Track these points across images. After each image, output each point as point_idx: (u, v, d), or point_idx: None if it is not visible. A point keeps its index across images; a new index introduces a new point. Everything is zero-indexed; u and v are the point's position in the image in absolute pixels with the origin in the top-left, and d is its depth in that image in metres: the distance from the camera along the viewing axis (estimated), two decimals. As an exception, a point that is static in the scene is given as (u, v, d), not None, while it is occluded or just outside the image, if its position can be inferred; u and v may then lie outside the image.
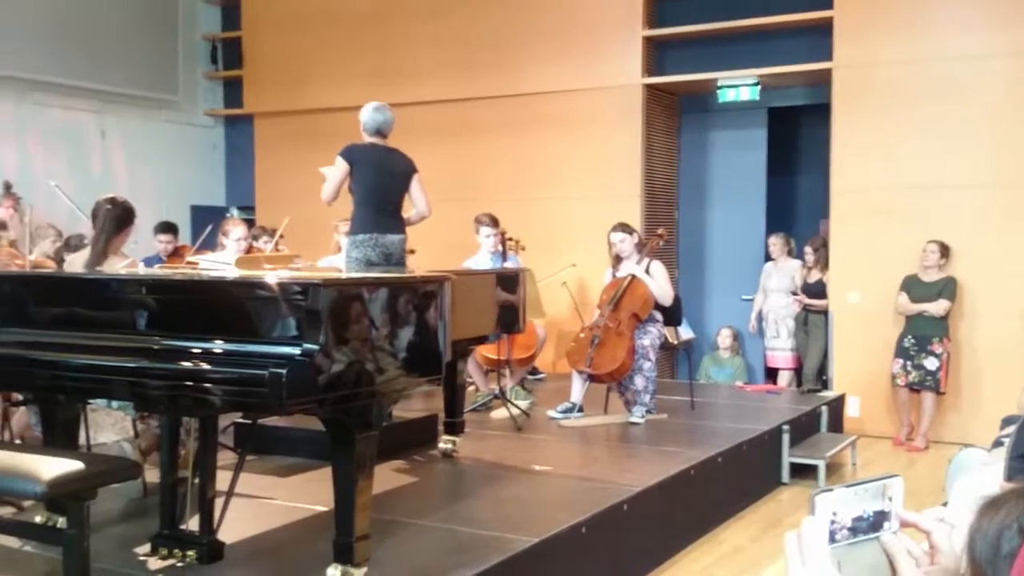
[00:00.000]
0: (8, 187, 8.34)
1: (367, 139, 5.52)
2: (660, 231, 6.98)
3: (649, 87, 8.87)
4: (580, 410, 6.49)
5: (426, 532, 4.04)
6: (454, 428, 5.42)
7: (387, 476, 4.85)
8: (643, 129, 8.82)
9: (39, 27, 8.99)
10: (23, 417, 5.04)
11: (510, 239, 7.15)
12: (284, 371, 2.87)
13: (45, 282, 4.04)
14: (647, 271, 6.48)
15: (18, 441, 5.04)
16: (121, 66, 9.79)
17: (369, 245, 5.37)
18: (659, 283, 6.44)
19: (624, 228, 6.63)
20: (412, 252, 6.10)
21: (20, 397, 4.71)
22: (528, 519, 4.19)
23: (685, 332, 7.34)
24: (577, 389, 6.51)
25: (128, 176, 10.05)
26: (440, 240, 7.63)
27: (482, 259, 7.13)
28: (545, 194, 9.10)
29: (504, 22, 9.33)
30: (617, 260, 6.63)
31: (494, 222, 7.13)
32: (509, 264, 6.85)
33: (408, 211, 5.67)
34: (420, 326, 3.51)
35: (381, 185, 5.48)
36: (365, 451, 3.24)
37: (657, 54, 9.04)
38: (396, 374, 3.38)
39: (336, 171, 5.42)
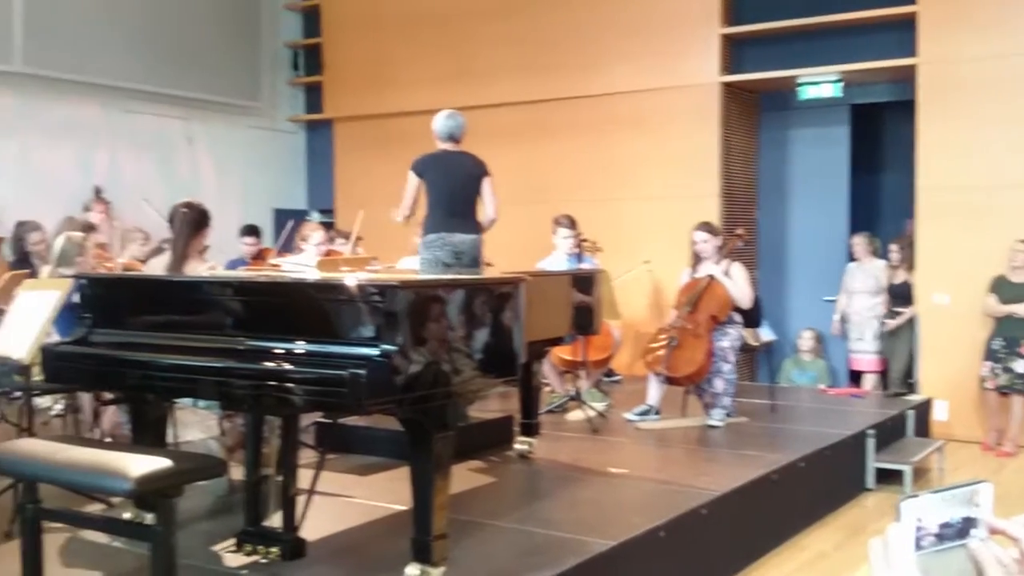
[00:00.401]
0: (99, 192, 8.64)
1: (439, 146, 5.61)
2: (739, 231, 6.87)
3: (727, 85, 8.76)
4: (657, 413, 6.44)
5: (502, 533, 4.05)
6: (530, 429, 5.42)
7: (464, 476, 4.88)
8: (721, 128, 8.71)
9: (129, 36, 9.28)
10: (114, 416, 5.21)
11: (586, 240, 7.13)
12: (363, 372, 2.92)
13: (134, 284, 4.17)
14: (726, 273, 6.40)
15: (108, 439, 5.21)
16: (207, 74, 10.06)
17: (437, 245, 5.45)
18: (738, 285, 6.34)
19: (708, 228, 6.57)
20: (489, 265, 6.15)
21: (110, 396, 4.86)
22: (604, 522, 4.17)
23: (765, 334, 7.22)
24: (654, 391, 6.46)
25: (214, 181, 10.31)
26: (513, 242, 7.65)
27: (558, 260, 7.12)
28: (620, 195, 9.05)
29: (578, 22, 9.31)
30: (696, 260, 6.56)
31: (572, 223, 7.12)
32: (585, 265, 6.82)
33: (480, 214, 5.73)
34: (495, 327, 3.53)
35: (448, 187, 5.56)
36: (442, 451, 3.26)
37: (735, 52, 8.91)
38: (472, 375, 3.40)
39: (409, 186, 5.57)
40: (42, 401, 6.08)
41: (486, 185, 5.64)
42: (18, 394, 4.69)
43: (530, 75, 9.51)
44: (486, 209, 5.69)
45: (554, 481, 5.05)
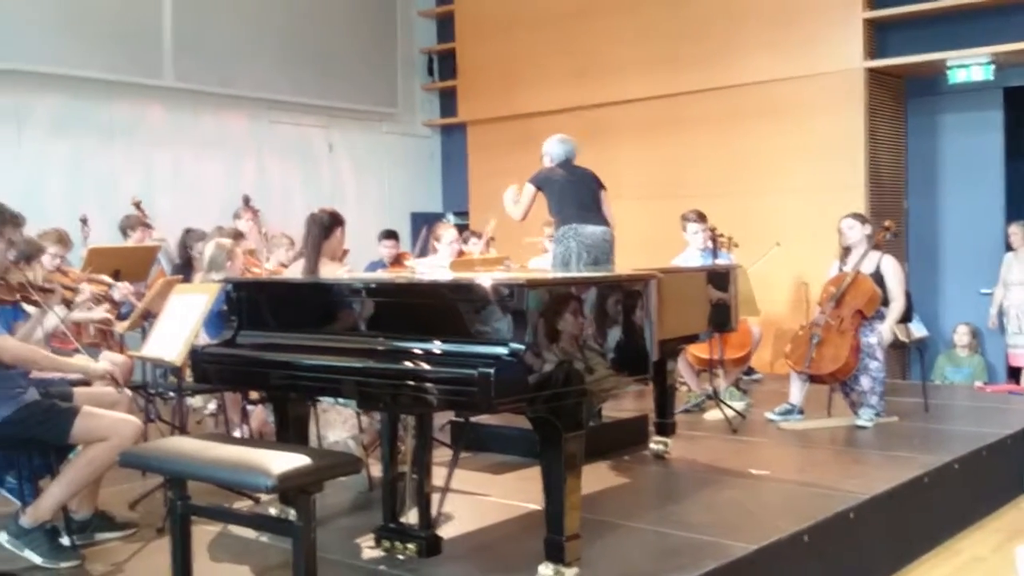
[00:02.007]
0: (247, 200, 9.01)
1: (551, 165, 5.79)
2: (887, 223, 6.57)
3: (871, 71, 8.40)
4: (800, 412, 6.23)
5: (637, 534, 3.99)
6: (665, 429, 5.33)
7: (597, 476, 4.84)
8: (866, 115, 8.36)
9: (272, 50, 9.64)
10: (261, 414, 5.41)
11: (721, 236, 6.96)
12: (492, 370, 2.92)
13: (277, 287, 4.32)
14: (878, 267, 6.15)
15: (256, 438, 5.42)
16: (346, 83, 10.36)
17: (570, 235, 5.51)
18: (892, 283, 6.12)
19: (857, 216, 6.37)
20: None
21: (257, 396, 5.05)
22: (745, 525, 4.05)
23: (917, 329, 6.89)
24: (796, 390, 6.25)
25: (354, 186, 10.61)
26: (646, 238, 7.55)
27: (691, 256, 6.99)
28: (759, 188, 8.80)
29: (711, 12, 9.11)
30: (845, 253, 6.33)
31: (701, 218, 6.98)
32: (721, 261, 6.66)
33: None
34: (626, 325, 3.47)
35: (573, 187, 5.66)
36: (573, 450, 3.24)
37: (879, 36, 8.54)
38: (603, 373, 3.37)
39: (524, 195, 5.73)
40: (194, 401, 6.38)
41: (604, 199, 5.76)
42: (171, 394, 4.92)
43: (661, 69, 9.36)
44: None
45: (691, 482, 4.94)
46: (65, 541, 3.77)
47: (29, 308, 4.14)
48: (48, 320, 4.25)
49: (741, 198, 8.72)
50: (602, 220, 5.64)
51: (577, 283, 3.42)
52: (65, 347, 5.26)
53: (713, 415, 6.32)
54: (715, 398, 6.32)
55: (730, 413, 6.14)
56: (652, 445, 5.35)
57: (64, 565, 3.66)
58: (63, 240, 5.50)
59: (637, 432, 5.60)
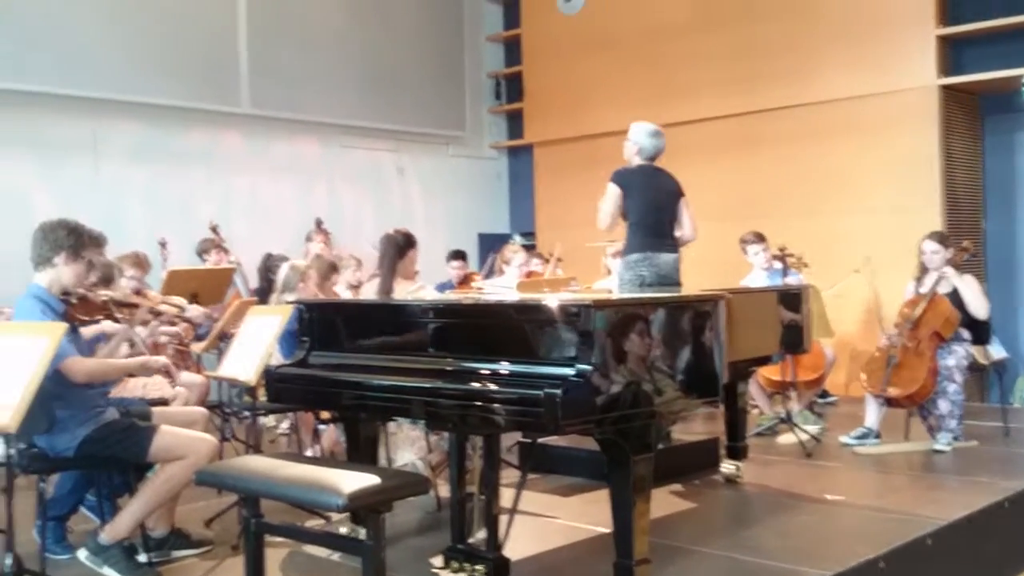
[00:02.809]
0: (319, 223, 9.18)
1: (638, 162, 5.49)
2: (965, 243, 6.40)
3: (946, 88, 8.22)
4: (876, 436, 6.08)
5: (708, 560, 3.94)
6: (737, 452, 5.25)
7: (667, 500, 4.79)
8: (941, 133, 8.18)
9: (343, 76, 9.84)
10: (332, 434, 5.48)
11: (791, 255, 6.86)
12: (559, 391, 2.92)
13: (347, 308, 4.38)
14: (956, 288, 5.99)
15: (327, 457, 5.49)
16: (415, 107, 10.52)
17: (644, 265, 5.35)
18: (973, 296, 5.95)
19: (939, 238, 6.19)
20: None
21: (328, 415, 5.12)
22: (819, 551, 3.97)
23: (996, 351, 6.68)
24: (872, 413, 6.11)
25: (423, 208, 10.74)
26: (719, 259, 7.47)
27: (756, 278, 6.90)
28: (832, 207, 8.66)
29: (781, 31, 9.03)
30: (923, 272, 6.18)
31: (759, 238, 6.89)
32: (791, 281, 6.57)
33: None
34: (695, 346, 3.44)
35: (655, 205, 5.44)
36: (642, 473, 3.21)
37: (953, 52, 8.36)
38: (672, 395, 3.34)
39: (609, 197, 5.40)
40: (268, 420, 6.50)
41: (682, 205, 5.53)
42: (246, 413, 5.02)
43: (733, 88, 9.30)
44: (685, 230, 5.57)
45: (764, 507, 4.86)
46: (142, 558, 3.87)
47: (111, 326, 4.26)
48: (133, 337, 4.36)
49: (814, 217, 8.59)
50: (674, 245, 5.50)
51: (645, 304, 3.40)
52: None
53: (786, 439, 6.20)
54: (788, 421, 6.21)
55: (804, 437, 6.02)
56: (723, 469, 5.27)
57: (140, 582, 3.75)
58: (141, 263, 5.66)
59: (708, 455, 5.53)
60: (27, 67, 7.72)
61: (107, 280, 4.63)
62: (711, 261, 7.15)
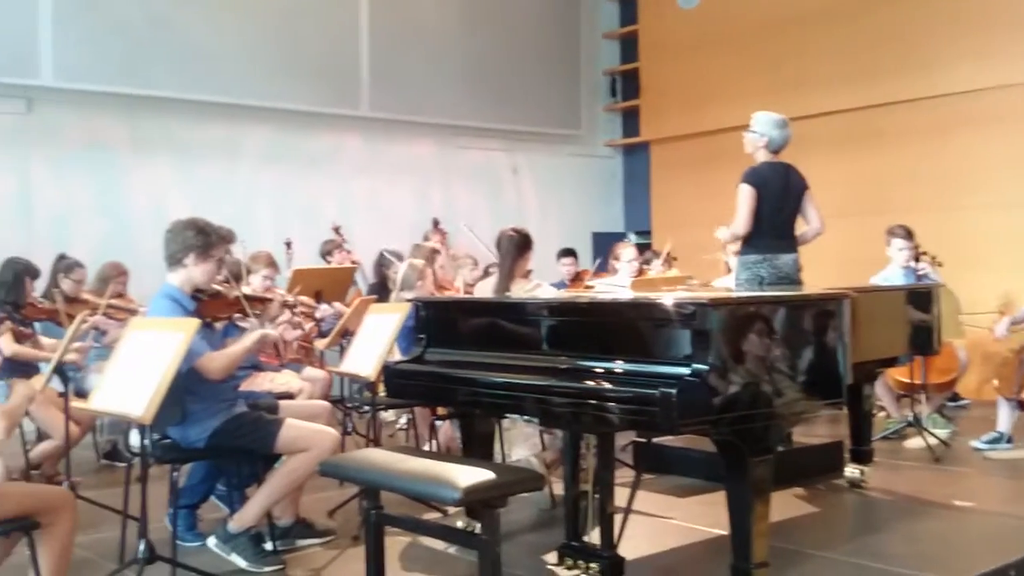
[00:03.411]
0: (436, 223, 9.34)
1: (764, 157, 5.34)
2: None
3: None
4: (1009, 441, 5.81)
5: (831, 565, 3.84)
6: (861, 456, 5.10)
7: (788, 503, 4.68)
8: (1076, 124, 7.75)
9: (459, 77, 9.97)
10: (448, 430, 5.56)
11: (924, 253, 6.59)
12: (674, 391, 2.89)
13: (463, 306, 4.44)
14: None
15: (444, 452, 5.57)
16: (529, 106, 10.57)
17: (763, 266, 5.23)
18: None
19: None
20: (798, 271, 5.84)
21: (444, 411, 5.20)
22: (948, 558, 3.83)
23: None
24: (1005, 417, 5.84)
25: (536, 207, 10.78)
26: (840, 256, 7.25)
27: (893, 274, 6.63)
28: (963, 203, 8.30)
29: (909, 22, 8.71)
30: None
31: (909, 235, 6.59)
32: (923, 279, 6.31)
33: (800, 228, 5.44)
34: (817, 346, 3.35)
35: (779, 207, 5.29)
36: (761, 475, 3.15)
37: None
38: (793, 396, 3.26)
39: (746, 200, 5.20)
40: (387, 415, 6.64)
41: (807, 199, 5.37)
42: (366, 408, 5.15)
43: (858, 80, 9.03)
44: (812, 223, 5.40)
45: (889, 512, 4.70)
46: (268, 546, 4.01)
47: (242, 323, 4.42)
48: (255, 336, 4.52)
49: (944, 214, 8.25)
50: (794, 245, 5.36)
51: (764, 303, 3.33)
52: (271, 362, 5.62)
53: (914, 443, 5.99)
54: (917, 425, 5.99)
55: (933, 441, 5.80)
56: (847, 472, 5.12)
57: (267, 569, 3.89)
58: (272, 263, 5.87)
59: (831, 459, 5.37)
60: (168, 75, 8.11)
61: (237, 277, 4.80)
62: (833, 257, 6.95)
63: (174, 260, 3.96)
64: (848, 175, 8.90)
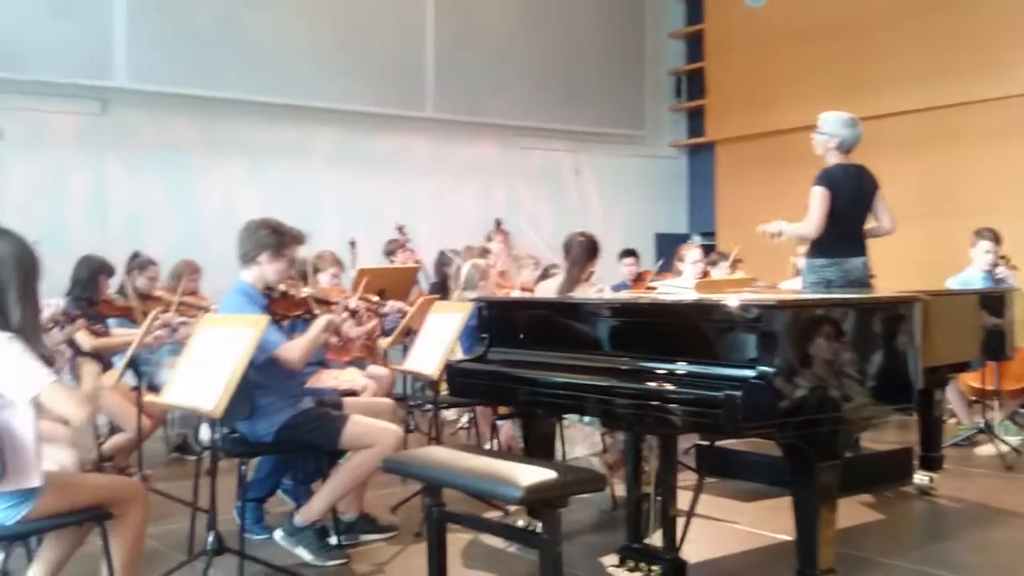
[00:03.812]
0: (499, 224, 9.38)
1: (836, 158, 5.25)
2: None
3: None
4: (1086, 450, 5.63)
5: (898, 572, 3.78)
6: (931, 463, 4.99)
7: (855, 510, 4.60)
8: None
9: (522, 78, 9.98)
10: (509, 429, 5.58)
11: (1002, 257, 6.41)
12: (739, 393, 2.86)
13: (525, 306, 4.45)
14: None
15: (504, 451, 5.59)
16: (593, 107, 10.54)
17: (831, 269, 5.15)
18: None
19: None
20: (872, 277, 5.72)
21: (506, 410, 5.22)
22: (1018, 567, 3.78)
23: None
24: (1083, 426, 5.66)
25: (599, 208, 10.75)
26: (911, 258, 7.11)
27: (973, 276, 6.46)
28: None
29: (985, 20, 8.48)
30: None
31: (996, 238, 6.38)
32: (1002, 284, 6.14)
33: (869, 224, 5.33)
34: (887, 350, 3.29)
35: (851, 210, 5.21)
36: (828, 480, 3.10)
37: None
38: (861, 401, 3.20)
39: (819, 202, 5.11)
40: (448, 413, 6.68)
41: (878, 199, 5.27)
42: (428, 406, 5.19)
43: (929, 80, 8.82)
44: (883, 222, 5.31)
45: (959, 520, 4.60)
46: (333, 540, 4.07)
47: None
48: (331, 320, 4.57)
49: (1016, 215, 8.00)
50: (863, 247, 5.26)
51: (832, 305, 3.28)
52: (339, 359, 5.70)
53: (985, 450, 5.85)
54: (988, 431, 5.85)
55: (1004, 448, 5.66)
56: (916, 479, 5.02)
57: (331, 563, 3.95)
58: (338, 262, 5.95)
59: (899, 465, 5.26)
60: (238, 77, 8.28)
61: (305, 276, 4.88)
62: (904, 260, 6.81)
63: (248, 258, 4.05)
64: (919, 177, 8.70)
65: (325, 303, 4.38)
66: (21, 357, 2.70)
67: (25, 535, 2.93)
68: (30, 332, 2.77)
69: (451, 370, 4.14)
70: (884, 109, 8.91)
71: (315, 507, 4.01)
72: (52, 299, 4.28)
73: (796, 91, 9.83)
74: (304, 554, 3.97)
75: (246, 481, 4.08)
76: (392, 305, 6.08)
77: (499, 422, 5.54)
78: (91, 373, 2.95)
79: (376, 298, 5.31)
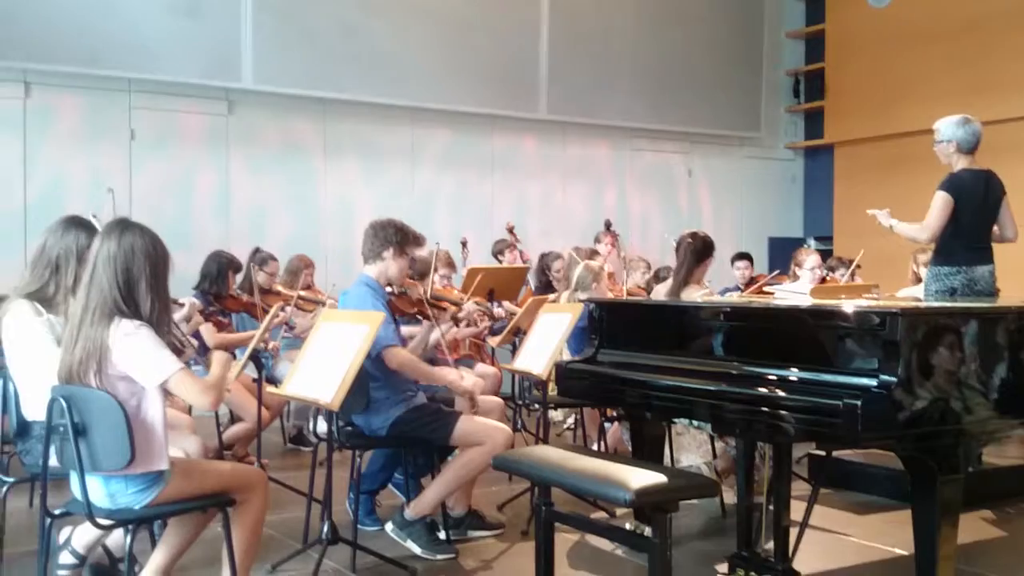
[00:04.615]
0: (608, 225, 9.35)
1: (963, 163, 5.08)
2: None
3: None
4: None
5: (1023, 595, 3.61)
6: (1059, 481, 4.76)
7: (975, 526, 4.43)
8: None
9: (635, 80, 9.90)
10: (616, 432, 5.56)
11: None
12: (859, 403, 2.79)
13: (636, 309, 4.44)
14: None
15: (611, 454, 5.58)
16: (707, 108, 10.40)
17: (956, 277, 4.97)
18: None
19: None
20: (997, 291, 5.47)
21: (614, 413, 5.21)
22: None
23: None
24: None
25: (711, 211, 10.61)
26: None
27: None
28: None
29: None
30: None
31: None
32: None
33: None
34: (1015, 361, 3.16)
35: (978, 218, 5.04)
36: (949, 495, 3.00)
37: None
38: (986, 414, 3.08)
39: (941, 208, 4.98)
40: (555, 414, 6.70)
41: (1004, 206, 5.08)
42: (536, 406, 5.22)
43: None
44: (1005, 231, 5.11)
45: (1090, 543, 4.37)
46: (442, 535, 4.14)
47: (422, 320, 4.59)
48: (433, 334, 4.69)
49: None
50: (990, 255, 5.06)
51: (958, 314, 3.17)
52: (444, 358, 5.79)
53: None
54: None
55: None
56: (1042, 498, 4.80)
57: (440, 557, 4.02)
58: (451, 263, 6.05)
59: (1022, 481, 5.05)
60: (356, 80, 8.48)
61: (423, 275, 4.99)
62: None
63: (373, 253, 4.17)
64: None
65: (438, 306, 4.46)
66: (151, 344, 2.82)
67: (151, 519, 3.03)
68: (160, 323, 2.90)
69: (561, 370, 4.16)
70: (1010, 113, 8.56)
71: (425, 501, 4.09)
72: (184, 297, 4.48)
73: (919, 93, 9.51)
74: (414, 547, 4.04)
75: (361, 473, 4.18)
76: (503, 308, 6.14)
77: (606, 424, 5.54)
78: (221, 363, 3.06)
79: (488, 304, 5.38)
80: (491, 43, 9.13)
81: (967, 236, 5.00)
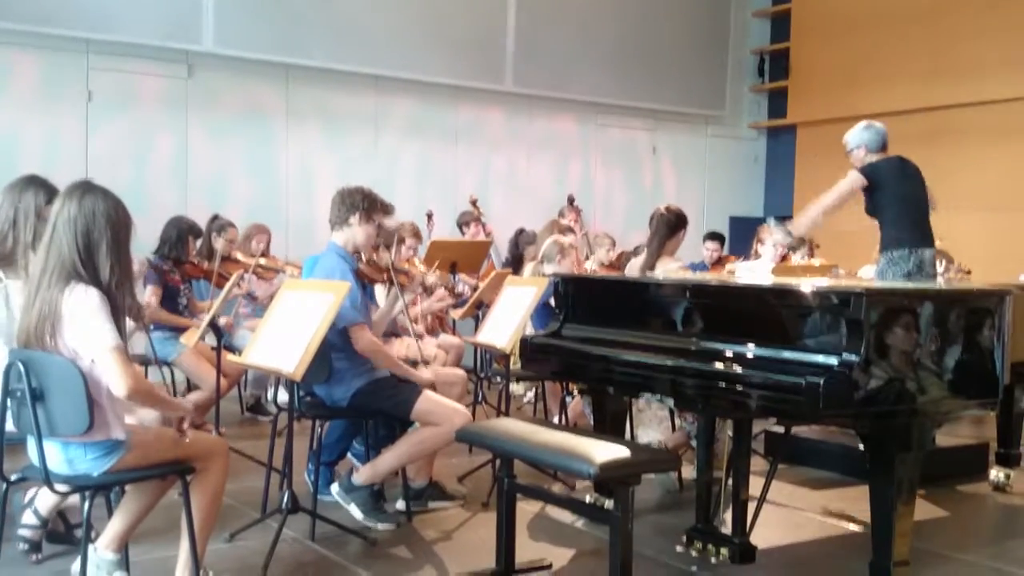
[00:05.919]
0: (572, 200, 9.34)
1: (873, 158, 5.18)
2: None
3: None
4: None
5: (969, 568, 3.72)
6: (1008, 460, 4.88)
7: (926, 504, 4.52)
8: None
9: (603, 55, 9.86)
10: (577, 406, 5.59)
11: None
12: (821, 380, 2.83)
13: (601, 284, 4.45)
14: None
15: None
16: (674, 85, 10.40)
17: (910, 260, 5.05)
18: None
19: None
20: (968, 273, 5.58)
21: (575, 388, 5.23)
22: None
23: None
24: None
25: (675, 188, 10.64)
26: (989, 251, 6.91)
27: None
28: None
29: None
30: None
31: None
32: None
33: None
34: (971, 344, 3.22)
35: (915, 196, 5.15)
36: (905, 473, 3.06)
37: None
38: (941, 394, 3.15)
39: (851, 180, 5.13)
40: (516, 388, 6.72)
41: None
42: (498, 379, 5.22)
43: (1019, 68, 8.53)
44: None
45: (1036, 520, 4.49)
46: (400, 505, 4.14)
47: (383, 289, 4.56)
48: (398, 304, 4.66)
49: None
50: (932, 238, 5.19)
51: (920, 296, 3.21)
52: (407, 329, 5.76)
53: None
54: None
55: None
56: (992, 476, 4.90)
57: (382, 526, 3.99)
58: (417, 233, 6.02)
59: (973, 461, 5.18)
60: (320, 45, 8.35)
61: (389, 245, 4.96)
62: (978, 252, 6.63)
63: (340, 220, 4.12)
64: (1004, 168, 8.44)
65: (403, 274, 4.44)
66: (94, 314, 2.73)
67: (110, 485, 2.99)
68: (120, 288, 2.83)
69: (526, 345, 4.16)
70: (970, 97, 8.67)
71: (376, 470, 4.05)
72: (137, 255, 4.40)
73: (882, 75, 9.60)
74: (356, 512, 4.00)
75: (321, 443, 4.16)
76: (464, 281, 6.12)
77: (568, 398, 5.57)
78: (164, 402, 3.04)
79: (451, 277, 5.36)
80: (459, 13, 9.03)
81: (911, 217, 5.12)
